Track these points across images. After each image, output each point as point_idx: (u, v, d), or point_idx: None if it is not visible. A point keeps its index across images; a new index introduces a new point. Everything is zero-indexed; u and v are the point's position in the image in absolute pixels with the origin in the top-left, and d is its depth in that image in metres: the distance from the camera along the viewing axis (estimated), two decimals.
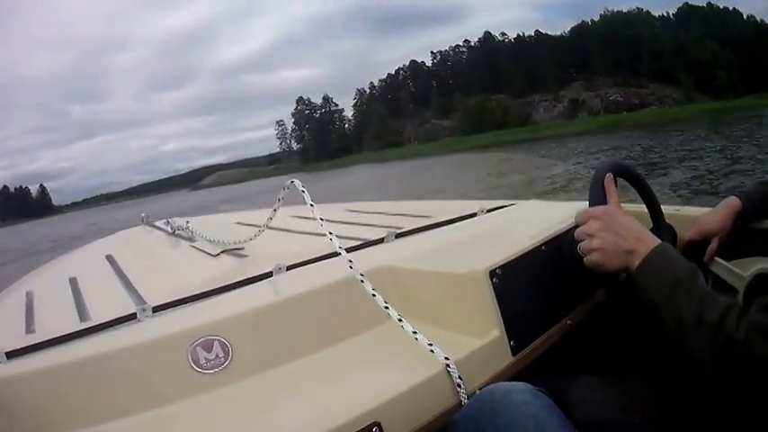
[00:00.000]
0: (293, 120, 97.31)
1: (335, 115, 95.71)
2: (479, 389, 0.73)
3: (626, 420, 0.76)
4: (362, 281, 0.84)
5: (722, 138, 16.03)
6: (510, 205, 1.57)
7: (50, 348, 0.85)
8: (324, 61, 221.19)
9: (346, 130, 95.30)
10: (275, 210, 1.20)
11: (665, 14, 75.37)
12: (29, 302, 1.51)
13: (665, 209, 1.06)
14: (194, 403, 0.74)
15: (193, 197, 53.42)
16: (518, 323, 0.84)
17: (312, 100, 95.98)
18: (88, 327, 0.93)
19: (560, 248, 0.94)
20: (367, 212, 1.93)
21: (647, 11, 75.30)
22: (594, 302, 0.99)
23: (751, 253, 1.04)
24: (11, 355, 0.84)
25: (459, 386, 0.72)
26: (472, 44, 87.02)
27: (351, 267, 0.86)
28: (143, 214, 2.55)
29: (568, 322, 0.93)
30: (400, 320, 0.79)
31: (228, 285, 1.06)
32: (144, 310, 0.97)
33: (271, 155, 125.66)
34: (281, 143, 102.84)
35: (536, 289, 0.90)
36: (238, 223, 2.10)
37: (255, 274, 1.09)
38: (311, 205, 0.97)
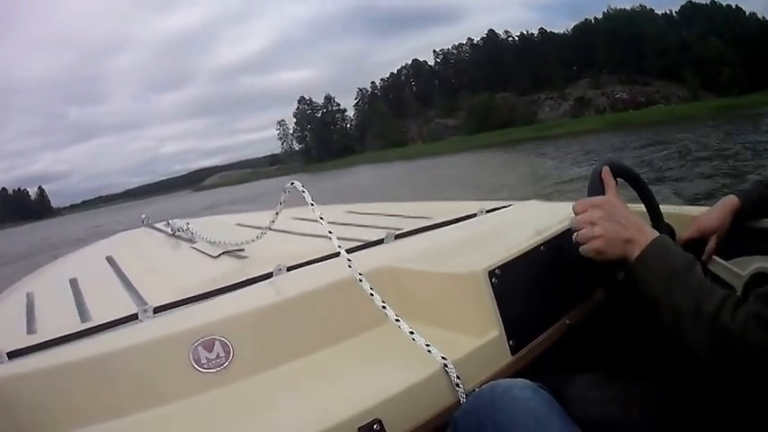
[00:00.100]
0: (295, 120, 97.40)
1: (338, 115, 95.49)
2: (479, 387, 0.73)
3: (625, 417, 0.76)
4: (361, 281, 0.84)
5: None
6: (509, 206, 1.57)
7: (52, 348, 0.86)
8: (323, 62, 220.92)
9: (349, 129, 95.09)
10: (277, 213, 1.20)
11: (667, 12, 75.22)
12: (30, 303, 1.51)
13: (664, 208, 1.06)
14: (195, 402, 0.75)
15: (196, 198, 53.37)
16: (517, 323, 0.84)
17: (314, 100, 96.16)
18: (89, 327, 0.94)
19: (560, 247, 0.94)
20: (367, 213, 1.93)
21: (651, 8, 75.14)
22: (593, 302, 0.99)
23: (749, 252, 1.04)
24: (12, 355, 0.85)
25: (457, 385, 0.73)
26: (475, 42, 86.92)
27: (350, 267, 0.86)
28: (143, 216, 2.56)
29: (567, 322, 0.93)
30: (397, 320, 0.79)
31: (229, 286, 1.06)
32: (145, 310, 0.98)
33: (272, 155, 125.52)
34: (282, 143, 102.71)
35: (535, 289, 0.91)
36: (238, 225, 2.11)
37: (256, 275, 1.10)
38: (312, 205, 0.98)
